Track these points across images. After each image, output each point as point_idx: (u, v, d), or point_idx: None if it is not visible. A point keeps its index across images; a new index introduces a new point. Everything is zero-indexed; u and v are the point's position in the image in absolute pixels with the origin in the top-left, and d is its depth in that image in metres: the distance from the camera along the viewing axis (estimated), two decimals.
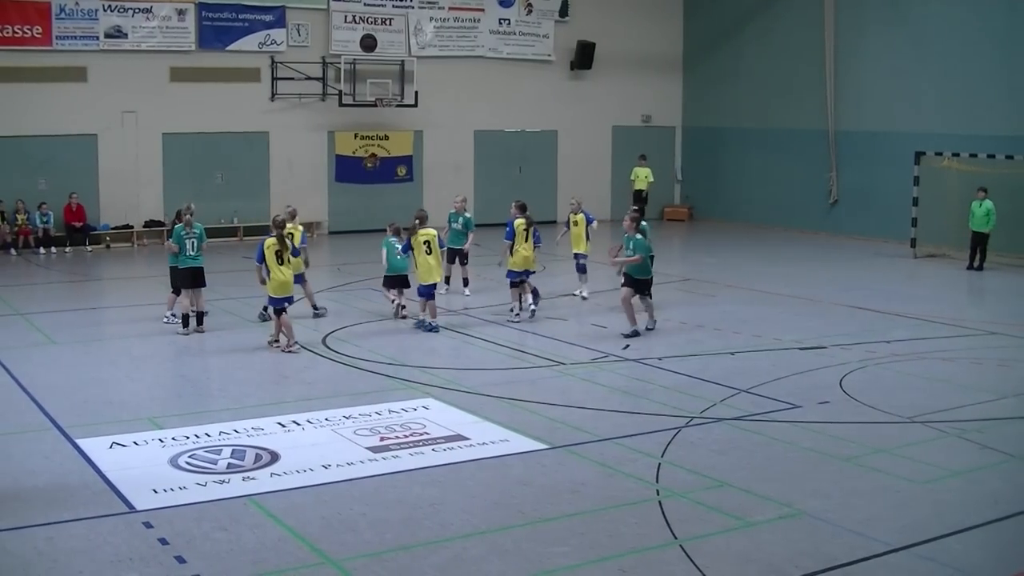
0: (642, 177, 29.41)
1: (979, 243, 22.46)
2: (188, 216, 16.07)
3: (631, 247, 15.60)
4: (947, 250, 23.81)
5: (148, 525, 8.51)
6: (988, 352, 14.86)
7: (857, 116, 27.71)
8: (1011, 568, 8.09)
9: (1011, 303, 19.09)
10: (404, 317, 16.77)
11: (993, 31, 24.77)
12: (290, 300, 14.89)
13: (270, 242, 14.75)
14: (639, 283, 15.72)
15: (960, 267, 22.63)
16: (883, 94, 27.04)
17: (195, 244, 15.94)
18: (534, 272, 17.19)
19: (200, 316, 16.11)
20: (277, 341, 14.99)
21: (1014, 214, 23.20)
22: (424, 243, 15.90)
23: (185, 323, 15.97)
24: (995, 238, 22.65)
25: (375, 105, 27.75)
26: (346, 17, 28.21)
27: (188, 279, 15.91)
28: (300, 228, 16.64)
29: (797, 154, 29.38)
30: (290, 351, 14.67)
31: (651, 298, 16.06)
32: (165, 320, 16.48)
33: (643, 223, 16.03)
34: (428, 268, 15.91)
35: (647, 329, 15.86)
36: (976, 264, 22.42)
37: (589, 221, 18.67)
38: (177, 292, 16.19)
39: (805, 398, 12.32)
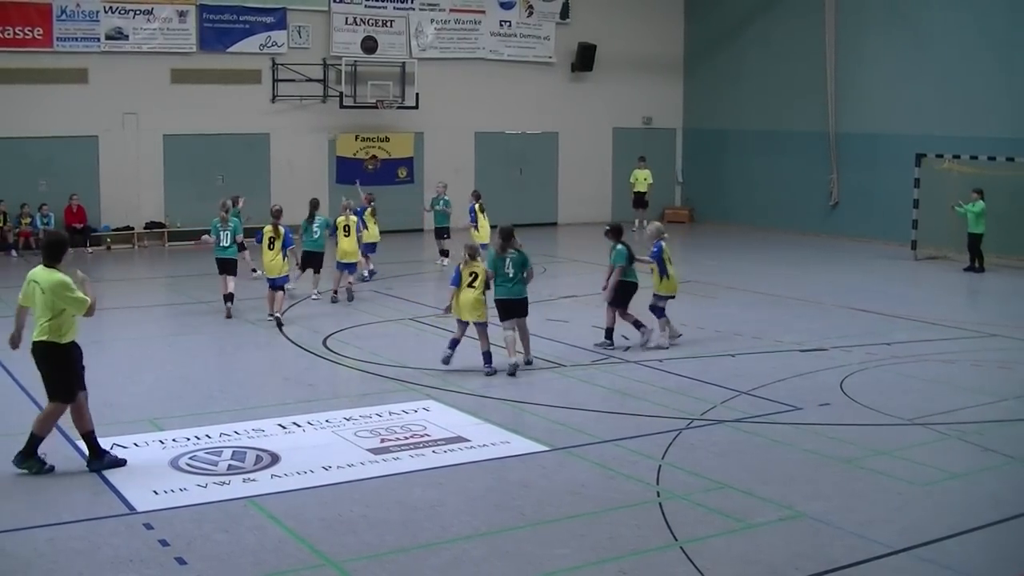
0: (642, 179, 29.43)
1: (974, 244, 22.45)
2: (223, 213, 17.59)
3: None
4: (948, 252, 23.81)
5: (148, 526, 8.52)
6: (988, 354, 14.86)
7: (858, 118, 27.72)
8: (1012, 570, 8.09)
9: (1011, 305, 19.09)
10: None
11: (993, 33, 24.79)
12: (284, 280, 16.92)
13: (267, 229, 16.92)
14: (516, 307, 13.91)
15: (961, 268, 22.63)
16: (884, 96, 27.05)
17: (228, 236, 17.42)
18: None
19: (230, 296, 17.38)
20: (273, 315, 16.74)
21: (1014, 216, 23.21)
22: (471, 274, 13.83)
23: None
24: (996, 240, 22.68)
25: (376, 107, 27.77)
26: (347, 19, 28.23)
27: (221, 267, 17.52)
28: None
29: (798, 156, 29.39)
30: (272, 317, 16.70)
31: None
32: (314, 297, 18.76)
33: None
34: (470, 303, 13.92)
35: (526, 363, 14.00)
36: (977, 266, 22.40)
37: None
38: (306, 269, 18.80)
39: (806, 400, 12.31)
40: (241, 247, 18.16)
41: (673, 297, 15.38)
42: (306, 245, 18.61)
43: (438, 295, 18.64)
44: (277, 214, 17.14)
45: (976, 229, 22.37)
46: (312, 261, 18.73)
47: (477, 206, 21.87)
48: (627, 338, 15.62)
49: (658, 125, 32.78)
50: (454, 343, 13.86)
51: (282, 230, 16.84)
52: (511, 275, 13.73)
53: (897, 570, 7.91)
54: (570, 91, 31.37)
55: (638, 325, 15.04)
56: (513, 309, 13.80)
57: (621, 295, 14.96)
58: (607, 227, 15.43)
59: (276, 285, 16.84)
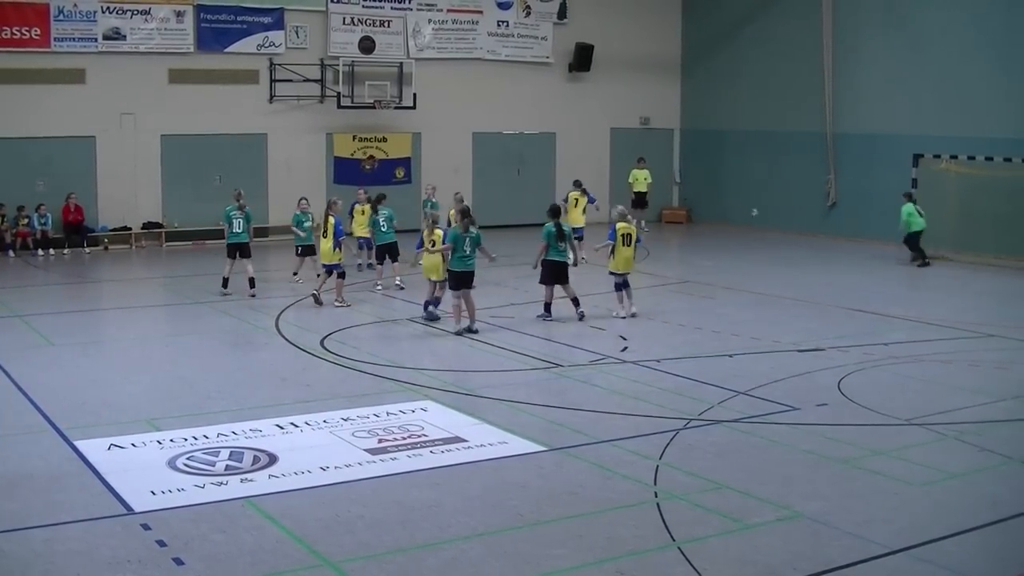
0: (641, 179, 29.45)
1: (913, 241, 23.49)
2: (240, 203, 19.03)
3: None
4: (945, 252, 23.82)
5: (146, 527, 8.51)
6: (986, 354, 14.87)
7: (855, 118, 27.72)
8: (1009, 570, 8.09)
9: (1009, 305, 19.06)
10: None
11: (990, 33, 24.79)
12: (333, 267, 18.06)
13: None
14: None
15: (958, 269, 22.68)
16: (881, 96, 27.06)
17: (241, 223, 18.92)
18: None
19: (251, 281, 18.94)
20: (340, 300, 18.09)
21: (1011, 216, 23.23)
22: (431, 242, 16.89)
23: (224, 284, 18.99)
24: (994, 240, 22.79)
25: (373, 107, 27.76)
26: (344, 19, 28.22)
27: (235, 251, 18.98)
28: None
29: (795, 156, 29.39)
30: (337, 305, 18.02)
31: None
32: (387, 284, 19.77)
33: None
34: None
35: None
36: (922, 261, 23.24)
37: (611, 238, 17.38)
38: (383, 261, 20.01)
39: (803, 400, 12.32)
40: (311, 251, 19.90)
41: (626, 274, 17.13)
42: (379, 239, 19.83)
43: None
44: (331, 205, 18.72)
45: (915, 228, 23.27)
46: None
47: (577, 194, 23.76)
48: (624, 338, 15.65)
49: (656, 125, 32.77)
50: (427, 303, 16.75)
51: (332, 221, 18.14)
52: (468, 252, 15.95)
53: (895, 570, 7.92)
54: (568, 91, 31.35)
55: (576, 303, 16.93)
56: (466, 280, 15.95)
57: (545, 272, 16.85)
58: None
59: (327, 270, 18.31)
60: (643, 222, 29.70)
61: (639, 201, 29.33)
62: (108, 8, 25.41)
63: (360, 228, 21.43)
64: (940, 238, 23.87)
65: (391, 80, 27.85)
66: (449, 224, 18.15)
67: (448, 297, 16.41)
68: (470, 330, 15.86)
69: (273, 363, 14.54)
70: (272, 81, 27.30)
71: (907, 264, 23.77)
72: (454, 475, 9.89)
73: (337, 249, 18.02)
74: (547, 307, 17.02)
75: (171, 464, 10.05)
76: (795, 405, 12.13)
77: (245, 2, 26.80)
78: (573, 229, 23.24)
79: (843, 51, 27.92)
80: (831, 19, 28.02)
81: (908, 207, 23.36)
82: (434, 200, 23.02)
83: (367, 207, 20.88)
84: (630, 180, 29.51)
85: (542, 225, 17.47)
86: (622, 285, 17.21)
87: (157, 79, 26.14)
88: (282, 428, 11.23)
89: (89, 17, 25.23)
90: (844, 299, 19.07)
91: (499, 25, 30.23)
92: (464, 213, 16.36)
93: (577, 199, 23.76)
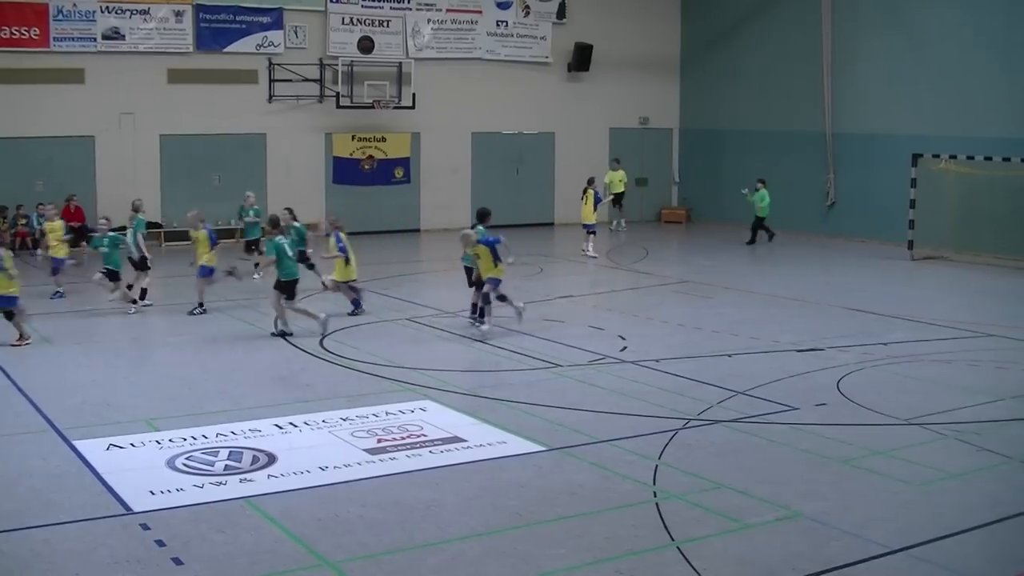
0: (617, 180, 29.58)
1: (759, 224, 27.01)
2: (131, 212, 19.29)
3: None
4: (945, 252, 23.83)
5: (145, 527, 8.51)
6: (985, 354, 14.87)
7: (855, 118, 27.73)
8: (1008, 570, 8.09)
9: (1009, 305, 19.07)
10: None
11: (990, 34, 24.80)
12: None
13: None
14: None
15: (958, 268, 22.67)
16: (881, 96, 27.07)
17: (129, 234, 18.93)
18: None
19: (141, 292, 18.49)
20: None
21: (1011, 216, 23.23)
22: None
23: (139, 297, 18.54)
24: (993, 240, 22.81)
25: (372, 107, 27.76)
26: (344, 19, 28.22)
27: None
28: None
29: (795, 156, 29.39)
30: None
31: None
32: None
33: (296, 224, 18.11)
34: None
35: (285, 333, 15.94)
36: (754, 240, 26.93)
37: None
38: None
39: (802, 400, 12.32)
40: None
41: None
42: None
43: (435, 295, 18.65)
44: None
45: (762, 213, 26.76)
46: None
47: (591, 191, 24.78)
48: (624, 338, 15.65)
49: (655, 125, 32.79)
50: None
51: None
52: (294, 258, 16.30)
53: (894, 570, 7.92)
54: (567, 91, 31.36)
55: (481, 314, 16.34)
56: (294, 287, 16.07)
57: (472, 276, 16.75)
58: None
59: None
60: (622, 221, 29.86)
61: (617, 201, 29.42)
62: (107, 8, 25.42)
63: (56, 248, 19.21)
64: (940, 238, 23.86)
65: (390, 80, 27.87)
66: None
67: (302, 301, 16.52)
68: (284, 334, 15.86)
69: (272, 363, 14.54)
70: (271, 81, 27.30)
71: (904, 262, 23.82)
72: (453, 475, 9.89)
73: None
74: (472, 307, 16.54)
75: (170, 464, 10.05)
76: (794, 405, 12.13)
77: (244, 2, 26.81)
78: (583, 225, 23.73)
79: (842, 51, 27.93)
80: (830, 19, 28.02)
81: (763, 192, 26.83)
82: (256, 207, 22.21)
83: (57, 224, 19.37)
84: (607, 181, 29.40)
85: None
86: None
87: (156, 79, 26.15)
88: (281, 428, 11.22)
89: (88, 17, 25.24)
90: (843, 299, 19.07)
91: (498, 25, 30.24)
92: (273, 223, 16.53)
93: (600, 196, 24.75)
